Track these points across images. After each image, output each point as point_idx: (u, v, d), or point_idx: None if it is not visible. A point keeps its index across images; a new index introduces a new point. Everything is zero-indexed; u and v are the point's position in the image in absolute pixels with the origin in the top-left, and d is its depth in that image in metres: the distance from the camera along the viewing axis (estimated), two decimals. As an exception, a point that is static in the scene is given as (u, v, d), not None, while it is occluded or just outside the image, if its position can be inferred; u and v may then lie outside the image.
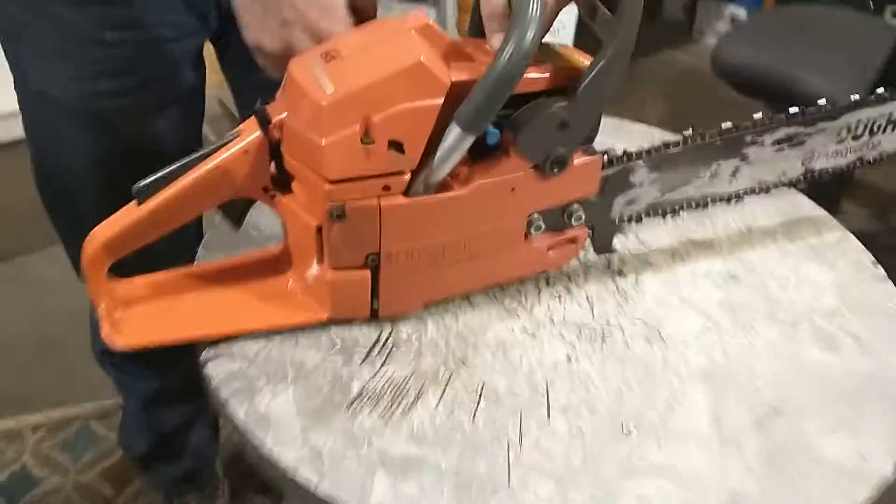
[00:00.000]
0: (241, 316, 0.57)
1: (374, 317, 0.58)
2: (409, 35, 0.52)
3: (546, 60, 0.55)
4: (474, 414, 0.51)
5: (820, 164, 0.67)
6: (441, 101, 0.50)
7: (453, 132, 0.50)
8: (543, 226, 0.59)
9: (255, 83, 0.64)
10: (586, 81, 0.52)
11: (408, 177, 0.52)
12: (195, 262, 0.64)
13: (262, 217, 0.66)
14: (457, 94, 0.50)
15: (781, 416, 0.52)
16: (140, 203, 0.53)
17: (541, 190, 0.57)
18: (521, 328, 0.59)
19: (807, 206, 0.75)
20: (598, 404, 0.53)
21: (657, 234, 0.69)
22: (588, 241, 0.63)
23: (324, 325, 0.57)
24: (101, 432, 1.35)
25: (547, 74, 0.54)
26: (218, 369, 0.54)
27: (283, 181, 0.55)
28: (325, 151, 0.50)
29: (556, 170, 0.55)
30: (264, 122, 0.53)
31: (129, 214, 0.54)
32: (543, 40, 0.55)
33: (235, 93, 0.94)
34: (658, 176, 0.63)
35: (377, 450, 0.49)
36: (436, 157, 0.51)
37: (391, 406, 0.52)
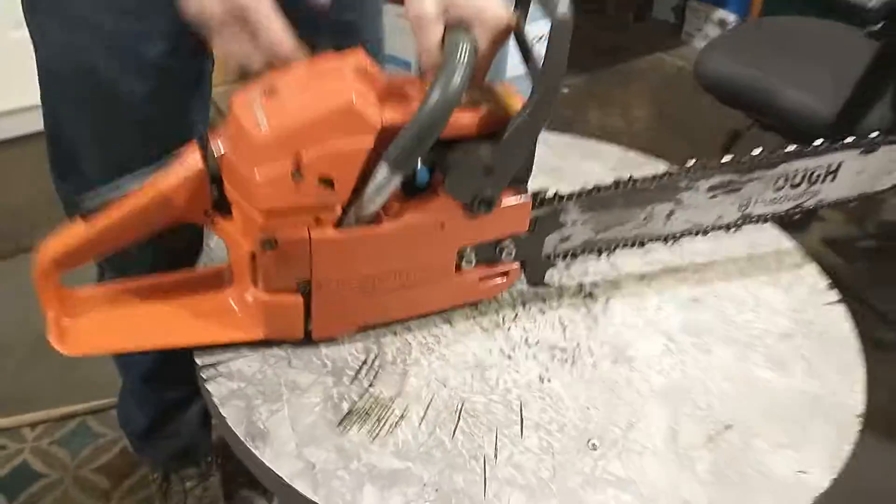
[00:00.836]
0: (182, 330, 0.62)
1: (307, 338, 0.62)
2: (344, 75, 0.55)
3: (481, 101, 0.58)
4: (454, 431, 0.56)
5: (758, 209, 0.70)
6: (371, 141, 0.54)
7: (382, 171, 0.54)
8: (475, 259, 0.63)
9: None
10: (511, 130, 0.56)
11: (339, 210, 0.56)
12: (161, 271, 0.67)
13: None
14: (387, 134, 0.54)
15: (731, 431, 0.58)
16: (86, 221, 0.57)
17: (470, 227, 0.61)
18: (498, 349, 0.64)
19: (772, 233, 0.80)
20: (566, 422, 0.58)
21: (629, 258, 0.74)
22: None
23: (314, 346, 0.62)
24: (98, 429, 1.40)
25: (476, 120, 0.57)
26: (218, 388, 0.59)
27: (223, 205, 0.58)
28: (258, 184, 0.54)
29: (483, 210, 0.59)
30: (205, 151, 0.57)
31: (76, 231, 0.58)
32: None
33: None
34: (591, 216, 0.66)
35: (365, 464, 0.54)
36: (365, 194, 0.55)
37: (378, 424, 0.57)
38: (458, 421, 0.57)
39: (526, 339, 0.65)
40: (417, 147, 0.53)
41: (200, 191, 0.58)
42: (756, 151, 0.68)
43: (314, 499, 0.51)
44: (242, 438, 0.55)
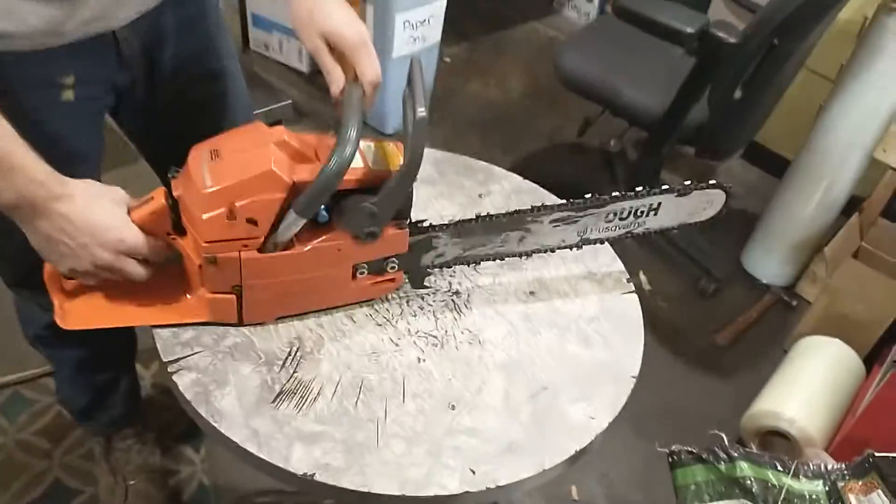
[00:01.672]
0: (151, 313, 0.85)
1: (240, 322, 0.84)
2: (267, 147, 0.77)
3: (377, 157, 0.81)
4: (356, 402, 0.80)
5: (594, 235, 0.95)
6: (284, 194, 0.76)
7: (291, 216, 0.77)
8: (367, 270, 0.87)
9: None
10: (386, 188, 0.79)
11: (262, 239, 0.78)
12: None
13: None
14: (297, 188, 0.76)
15: (546, 391, 0.85)
16: None
17: (361, 250, 0.84)
18: (388, 339, 0.88)
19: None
20: (435, 390, 0.83)
21: (486, 263, 0.98)
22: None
23: (251, 343, 0.84)
24: (32, 396, 1.55)
25: (363, 177, 0.79)
26: (181, 379, 0.80)
27: (180, 228, 0.80)
28: (203, 224, 0.76)
29: (369, 240, 0.82)
30: (169, 191, 0.79)
31: None
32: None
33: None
34: (459, 240, 0.91)
35: (294, 428, 0.77)
36: (279, 229, 0.78)
37: (302, 399, 0.79)
38: (360, 394, 0.81)
39: (409, 330, 0.89)
40: (317, 200, 0.76)
41: (164, 219, 0.79)
42: (588, 196, 0.90)
43: (260, 455, 0.74)
44: (204, 415, 0.77)
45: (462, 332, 0.90)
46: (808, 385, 1.69)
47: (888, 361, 1.67)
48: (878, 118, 1.84)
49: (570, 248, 0.96)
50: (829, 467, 1.31)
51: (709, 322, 2.03)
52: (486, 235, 0.91)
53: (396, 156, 0.82)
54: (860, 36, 1.96)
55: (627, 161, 1.95)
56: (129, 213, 0.79)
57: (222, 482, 1.48)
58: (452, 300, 0.94)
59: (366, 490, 0.72)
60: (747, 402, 1.71)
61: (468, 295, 0.95)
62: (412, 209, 0.85)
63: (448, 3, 2.33)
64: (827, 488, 1.28)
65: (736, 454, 1.25)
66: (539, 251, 0.95)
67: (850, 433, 1.54)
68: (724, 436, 1.27)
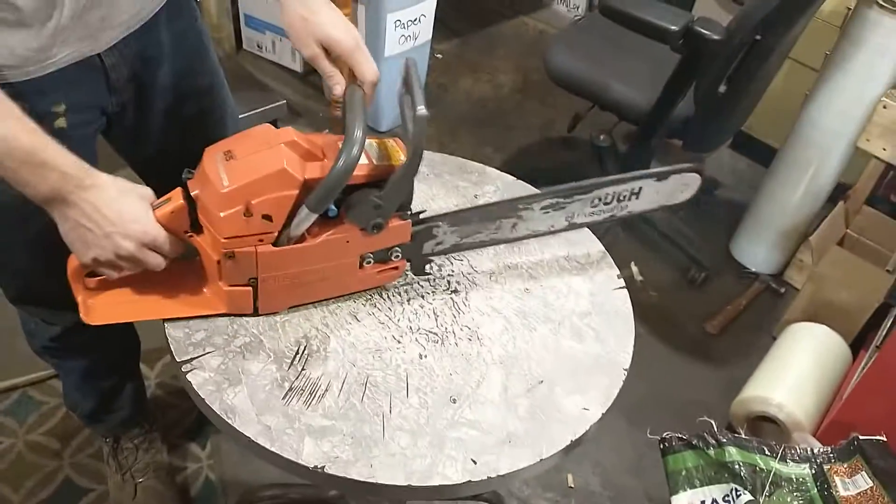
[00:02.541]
0: (171, 307, 0.89)
1: (255, 313, 0.89)
2: (279, 147, 0.83)
3: (380, 154, 0.86)
4: (362, 397, 0.84)
5: (580, 219, 1.01)
6: (297, 191, 0.82)
7: (303, 211, 0.82)
8: (373, 260, 0.92)
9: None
10: (391, 181, 0.84)
11: (276, 234, 0.84)
12: None
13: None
14: (309, 186, 0.82)
15: (542, 385, 0.89)
16: None
17: (367, 241, 0.89)
18: (391, 336, 0.92)
19: (587, 237, 1.10)
20: (437, 385, 0.87)
21: (483, 261, 1.03)
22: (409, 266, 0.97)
23: (260, 343, 0.88)
24: (40, 398, 1.58)
25: (369, 173, 0.85)
26: (195, 377, 0.83)
27: (198, 227, 0.85)
28: (221, 221, 0.81)
29: (375, 231, 0.88)
30: (186, 190, 0.83)
31: None
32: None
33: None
34: (457, 229, 0.96)
35: (304, 424, 0.81)
36: (292, 225, 0.83)
37: (310, 396, 0.84)
38: (365, 390, 0.85)
39: (410, 328, 0.93)
40: (328, 196, 0.81)
41: (183, 217, 0.84)
42: (574, 183, 0.96)
43: (272, 449, 0.78)
44: (217, 412, 0.81)
45: (461, 329, 0.94)
46: (795, 371, 1.74)
47: (872, 346, 1.72)
48: (862, 108, 1.88)
49: (559, 232, 1.01)
50: (816, 451, 1.36)
51: (699, 311, 2.08)
52: (481, 223, 0.96)
53: (398, 152, 0.88)
54: (843, 27, 2.00)
55: (618, 155, 1.99)
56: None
57: (228, 477, 1.52)
58: (451, 298, 0.98)
59: (373, 481, 0.77)
60: (737, 388, 1.76)
61: (466, 293, 0.99)
62: (412, 201, 0.90)
63: (438, 0, 2.36)
64: (813, 471, 1.34)
65: (724, 440, 1.30)
66: (531, 236, 1.00)
67: (836, 417, 1.59)
68: (713, 422, 1.32)
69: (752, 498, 1.27)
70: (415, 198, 0.90)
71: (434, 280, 0.99)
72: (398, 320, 0.94)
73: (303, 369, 0.86)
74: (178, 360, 0.85)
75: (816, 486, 1.31)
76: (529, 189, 1.16)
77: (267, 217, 0.81)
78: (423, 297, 0.97)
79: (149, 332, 0.89)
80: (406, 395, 0.85)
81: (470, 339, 0.93)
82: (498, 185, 1.17)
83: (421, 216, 0.93)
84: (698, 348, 2.00)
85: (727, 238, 2.30)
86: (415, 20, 2.29)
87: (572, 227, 1.02)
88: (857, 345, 1.86)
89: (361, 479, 0.77)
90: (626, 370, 0.93)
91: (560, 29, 2.83)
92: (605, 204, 1.01)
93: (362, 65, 0.91)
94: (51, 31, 0.83)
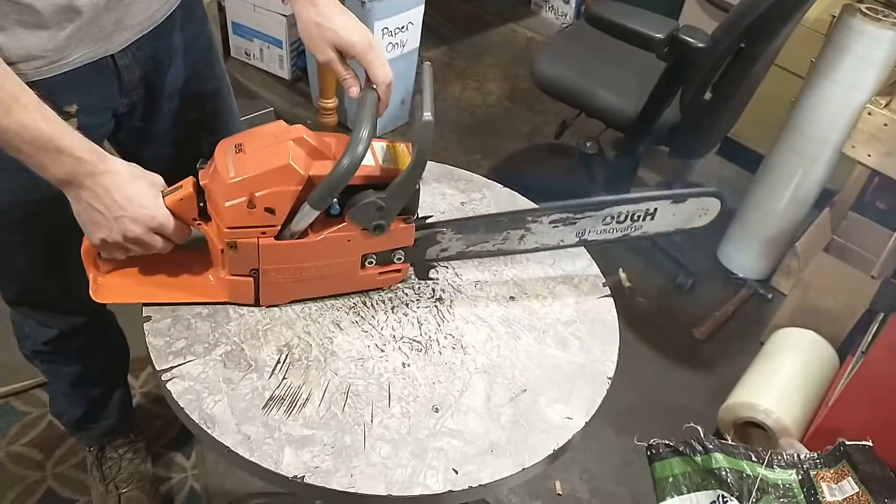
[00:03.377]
0: (176, 292, 0.90)
1: (257, 304, 0.90)
2: (287, 143, 0.83)
3: (387, 156, 0.87)
4: (343, 406, 0.84)
5: (592, 237, 0.98)
6: (300, 187, 0.82)
7: (305, 208, 0.82)
8: (375, 261, 0.92)
9: None
10: (394, 184, 0.85)
11: (278, 227, 0.84)
12: None
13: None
14: (313, 181, 0.82)
15: (526, 393, 0.88)
16: None
17: (370, 241, 0.90)
18: (374, 345, 0.91)
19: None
20: (419, 394, 0.86)
21: (469, 269, 1.03)
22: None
23: (241, 352, 0.87)
24: (23, 408, 1.57)
25: (373, 173, 0.85)
26: (175, 387, 0.83)
27: (206, 215, 0.86)
28: (226, 210, 0.82)
29: (378, 233, 0.88)
30: (197, 179, 0.84)
31: None
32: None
33: None
34: (462, 236, 0.95)
35: (284, 433, 0.80)
36: (294, 220, 0.84)
37: (291, 405, 0.83)
38: (347, 399, 0.84)
39: (394, 336, 0.92)
40: (329, 194, 0.82)
41: (191, 205, 0.85)
42: (584, 199, 0.93)
43: (252, 459, 0.77)
44: (197, 421, 0.80)
45: (445, 338, 0.93)
46: (783, 376, 1.74)
47: (859, 352, 1.73)
48: (847, 115, 1.89)
49: (569, 247, 1.00)
50: (802, 457, 1.36)
51: (687, 317, 2.08)
52: (488, 233, 0.95)
53: (406, 156, 0.88)
54: (828, 34, 2.01)
55: (605, 161, 2.00)
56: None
57: (213, 487, 1.51)
58: (436, 306, 0.97)
59: (354, 491, 0.76)
60: (725, 394, 1.76)
61: (451, 301, 0.98)
62: (419, 206, 0.91)
63: (426, 7, 2.36)
64: (800, 477, 1.34)
65: (711, 446, 1.30)
66: (539, 250, 0.99)
67: (823, 423, 1.59)
68: (699, 428, 1.32)
69: (738, 505, 1.27)
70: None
71: (419, 288, 0.99)
72: (381, 329, 0.93)
73: (284, 378, 0.85)
74: (157, 368, 0.84)
75: (803, 493, 1.31)
76: (517, 198, 1.16)
77: (270, 210, 0.83)
78: (407, 305, 0.97)
79: (134, 341, 0.89)
80: (388, 405, 0.85)
81: (454, 348, 0.92)
82: (485, 193, 1.16)
83: (426, 221, 0.94)
84: (686, 354, 2.00)
85: (715, 244, 2.31)
86: (402, 27, 2.29)
87: (583, 243, 1.00)
88: (844, 350, 1.86)
89: (342, 490, 0.76)
90: (609, 379, 0.92)
91: (548, 37, 2.84)
92: (619, 222, 0.98)
93: (376, 67, 0.93)
94: (67, 34, 0.85)
